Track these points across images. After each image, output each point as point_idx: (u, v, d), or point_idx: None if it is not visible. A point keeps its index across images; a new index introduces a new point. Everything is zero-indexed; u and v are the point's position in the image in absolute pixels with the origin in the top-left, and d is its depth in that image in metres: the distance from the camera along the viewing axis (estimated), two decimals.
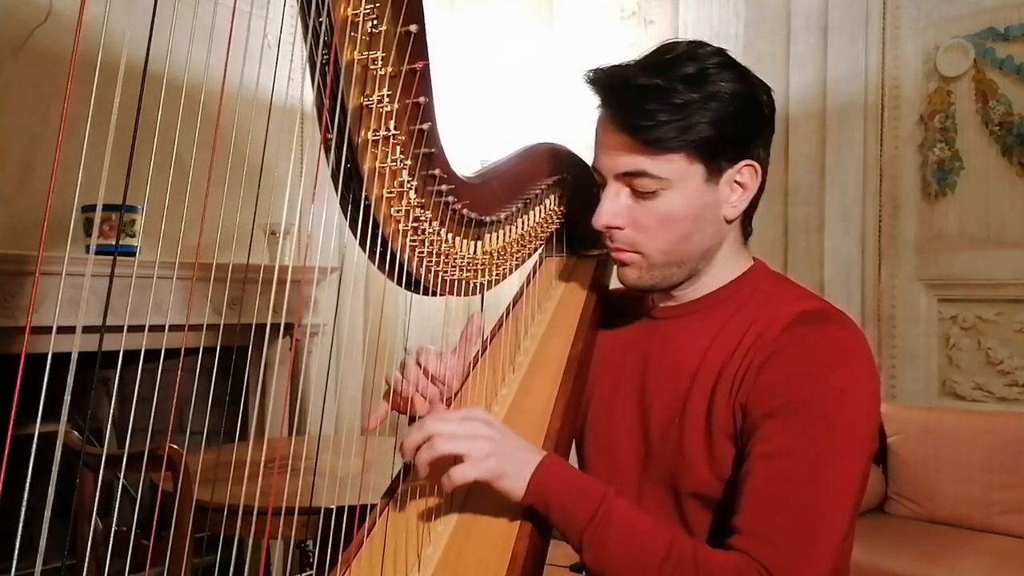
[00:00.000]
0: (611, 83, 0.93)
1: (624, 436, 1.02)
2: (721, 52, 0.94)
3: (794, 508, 0.82)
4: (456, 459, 0.84)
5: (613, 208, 0.94)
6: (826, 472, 0.83)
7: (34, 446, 0.64)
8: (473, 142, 3.36)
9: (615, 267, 1.01)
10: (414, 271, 0.98)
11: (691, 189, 0.92)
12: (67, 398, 0.62)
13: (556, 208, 1.23)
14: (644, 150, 0.90)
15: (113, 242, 2.53)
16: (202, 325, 2.54)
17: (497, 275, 1.12)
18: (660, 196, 0.92)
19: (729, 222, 0.97)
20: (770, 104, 0.96)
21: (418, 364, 1.02)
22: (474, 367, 1.11)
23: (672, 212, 0.92)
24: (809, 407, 0.85)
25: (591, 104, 0.99)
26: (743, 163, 0.94)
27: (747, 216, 1.00)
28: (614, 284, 1.25)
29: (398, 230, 0.94)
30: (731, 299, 0.99)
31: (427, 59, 0.86)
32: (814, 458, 0.83)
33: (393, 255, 0.95)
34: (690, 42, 0.95)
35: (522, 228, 1.16)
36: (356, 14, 0.81)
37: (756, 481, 0.85)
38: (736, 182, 0.95)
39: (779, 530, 0.82)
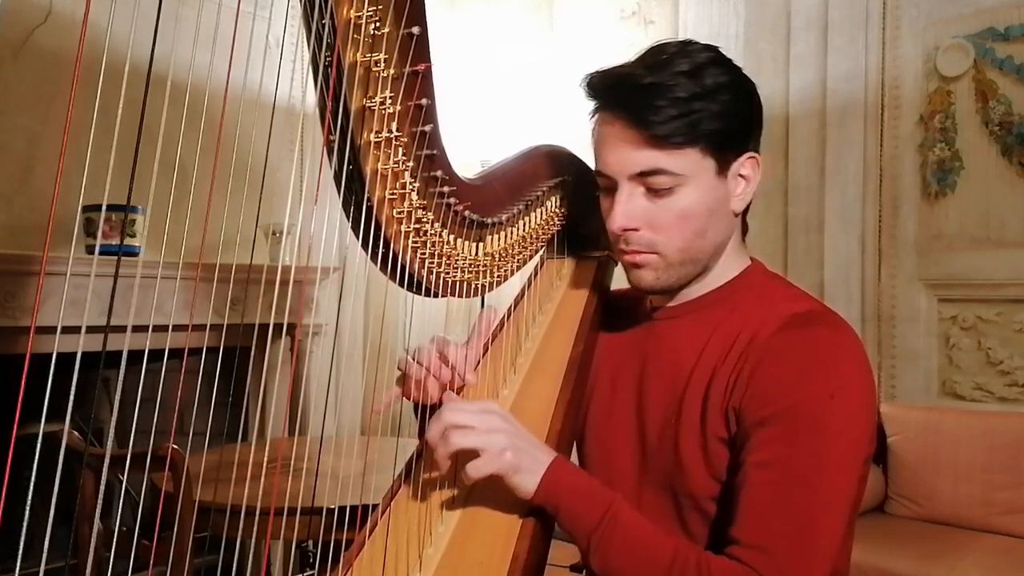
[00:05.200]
0: (617, 85, 0.93)
1: (622, 438, 1.02)
2: (712, 48, 0.95)
3: (790, 517, 0.83)
4: (470, 454, 0.85)
5: (628, 210, 0.93)
6: (820, 478, 0.83)
7: (38, 447, 0.64)
8: (474, 143, 3.36)
9: (630, 271, 0.99)
10: (415, 272, 0.98)
11: (705, 184, 0.93)
12: (71, 398, 0.62)
13: (557, 210, 1.23)
14: (660, 147, 0.90)
15: (113, 242, 2.54)
16: (204, 326, 2.54)
17: (498, 276, 1.12)
18: (676, 193, 0.92)
19: (736, 216, 0.98)
20: (759, 98, 0.98)
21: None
22: (476, 367, 1.11)
23: (688, 208, 0.92)
24: (800, 413, 0.85)
25: (590, 106, 0.99)
26: (746, 156, 0.96)
27: (744, 212, 1.01)
28: (614, 285, 1.25)
29: (400, 231, 0.94)
30: (727, 299, 0.99)
31: (429, 61, 0.86)
32: (807, 465, 0.83)
33: (395, 256, 0.95)
34: (681, 41, 0.96)
35: (523, 230, 1.17)
36: (359, 16, 0.81)
37: (751, 490, 0.85)
38: (740, 175, 0.96)
39: (776, 540, 0.82)
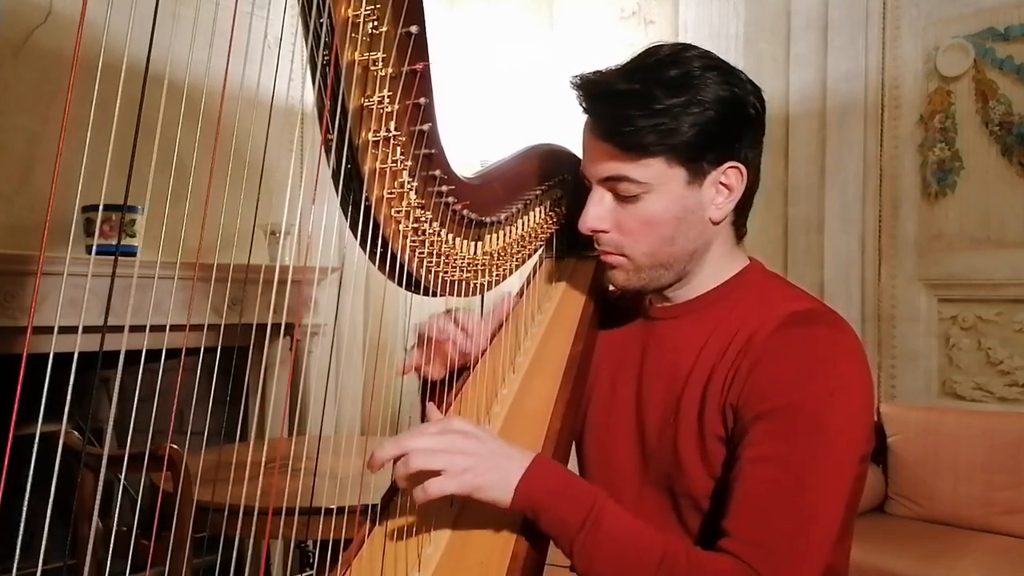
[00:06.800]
0: (592, 90, 0.94)
1: (621, 438, 1.02)
2: (707, 54, 0.94)
3: (785, 514, 0.82)
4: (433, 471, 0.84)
5: (598, 212, 0.96)
6: (817, 477, 0.83)
7: (36, 446, 0.64)
8: (473, 142, 3.36)
9: (605, 269, 1.02)
10: (414, 272, 0.99)
11: (672, 192, 0.93)
12: (69, 398, 0.62)
13: (556, 209, 1.23)
14: (624, 155, 0.91)
15: (113, 242, 2.54)
16: (202, 325, 2.54)
17: (497, 276, 1.12)
18: (642, 200, 0.93)
19: (716, 223, 0.97)
20: (758, 104, 0.95)
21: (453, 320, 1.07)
22: (473, 367, 1.11)
23: (654, 215, 0.93)
24: (798, 411, 0.85)
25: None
26: (727, 165, 0.94)
27: (740, 216, 1.00)
28: None
29: (398, 231, 0.94)
30: (725, 299, 0.99)
31: (427, 60, 0.86)
32: (804, 463, 0.83)
33: (393, 256, 0.95)
34: (675, 44, 0.95)
35: (522, 229, 1.17)
36: (357, 15, 0.81)
37: (746, 484, 0.84)
38: (721, 183, 0.95)
39: (771, 535, 0.82)
